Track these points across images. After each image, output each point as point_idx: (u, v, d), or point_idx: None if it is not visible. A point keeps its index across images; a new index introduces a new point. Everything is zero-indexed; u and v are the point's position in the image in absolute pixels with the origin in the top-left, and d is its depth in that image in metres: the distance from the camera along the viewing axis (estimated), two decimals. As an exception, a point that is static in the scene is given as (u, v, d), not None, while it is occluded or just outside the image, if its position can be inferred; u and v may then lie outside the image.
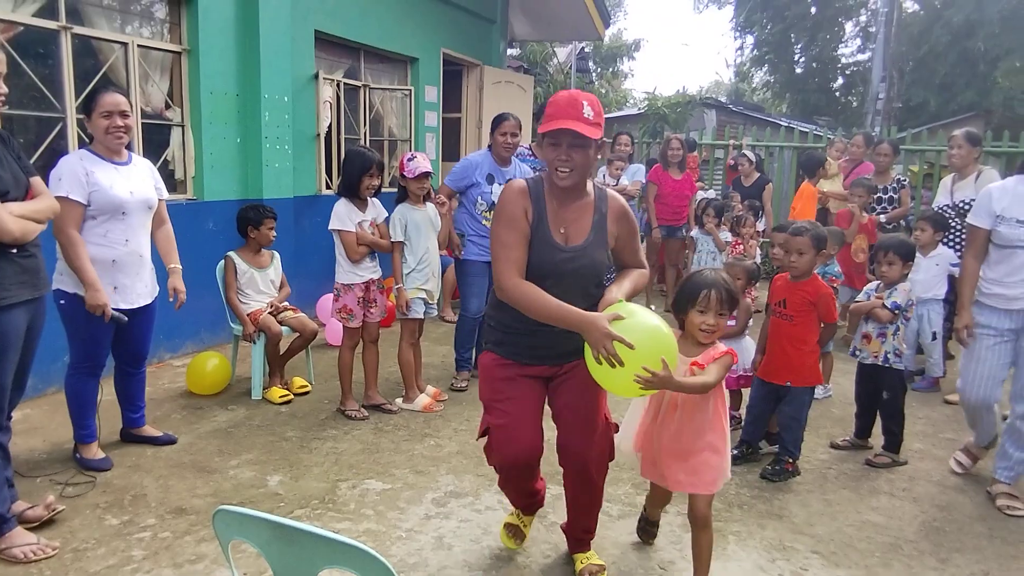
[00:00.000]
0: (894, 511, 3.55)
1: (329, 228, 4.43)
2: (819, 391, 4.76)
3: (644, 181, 7.38)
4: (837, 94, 23.77)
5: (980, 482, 3.83)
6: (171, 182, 5.59)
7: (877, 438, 4.18)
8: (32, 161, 3.38)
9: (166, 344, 5.50)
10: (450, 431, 4.35)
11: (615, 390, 2.45)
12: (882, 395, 4.10)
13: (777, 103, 26.18)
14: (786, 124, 12.64)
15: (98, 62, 5.08)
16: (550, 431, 2.71)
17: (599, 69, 23.15)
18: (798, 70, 23.75)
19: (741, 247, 6.96)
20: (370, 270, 4.53)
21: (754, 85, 28.64)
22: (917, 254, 4.53)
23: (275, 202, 5.52)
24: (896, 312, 4.01)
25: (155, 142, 5.49)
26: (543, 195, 2.58)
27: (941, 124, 14.56)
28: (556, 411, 2.75)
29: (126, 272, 3.60)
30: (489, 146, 5.14)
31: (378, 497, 3.49)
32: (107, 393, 3.88)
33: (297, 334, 4.86)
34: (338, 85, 7.14)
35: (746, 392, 4.25)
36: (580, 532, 2.92)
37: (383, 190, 4.63)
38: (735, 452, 3.88)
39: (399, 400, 4.72)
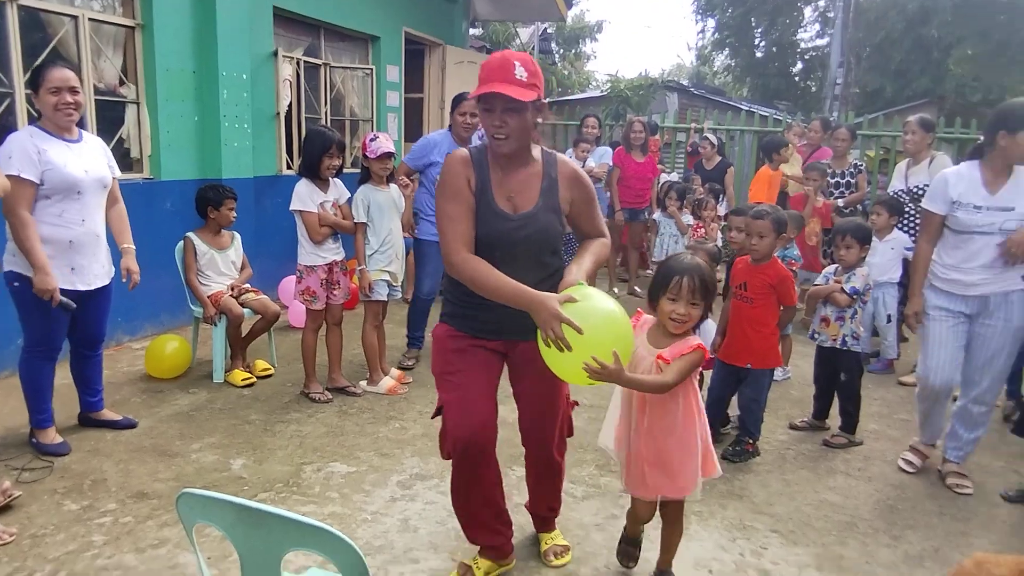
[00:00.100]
0: (850, 490, 3.64)
1: (290, 209, 4.37)
2: (778, 373, 4.86)
3: (611, 165, 7.40)
4: (796, 79, 24.11)
5: (931, 461, 3.94)
6: (127, 161, 5.45)
7: (834, 419, 4.28)
8: (-20, 138, 3.27)
9: (124, 326, 5.39)
10: (415, 413, 4.34)
11: (563, 375, 2.33)
12: (840, 377, 4.18)
13: (738, 87, 26.43)
14: (747, 108, 12.77)
15: (47, 35, 4.91)
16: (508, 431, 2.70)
17: (562, 50, 23.10)
18: (758, 54, 24.02)
19: (703, 230, 7.03)
20: (333, 251, 4.48)
21: (715, 69, 28.86)
22: (873, 238, 4.62)
23: (235, 182, 5.41)
24: (854, 297, 4.09)
25: (109, 119, 5.34)
26: (486, 163, 2.47)
27: (897, 110, 14.85)
28: (517, 393, 2.72)
29: (83, 253, 3.52)
30: (450, 126, 5.11)
31: (343, 480, 3.48)
32: (64, 377, 3.80)
33: (259, 316, 4.80)
34: (298, 63, 7.01)
35: (707, 374, 4.31)
36: (545, 510, 2.94)
37: (345, 171, 4.58)
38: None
39: (363, 383, 4.69)
